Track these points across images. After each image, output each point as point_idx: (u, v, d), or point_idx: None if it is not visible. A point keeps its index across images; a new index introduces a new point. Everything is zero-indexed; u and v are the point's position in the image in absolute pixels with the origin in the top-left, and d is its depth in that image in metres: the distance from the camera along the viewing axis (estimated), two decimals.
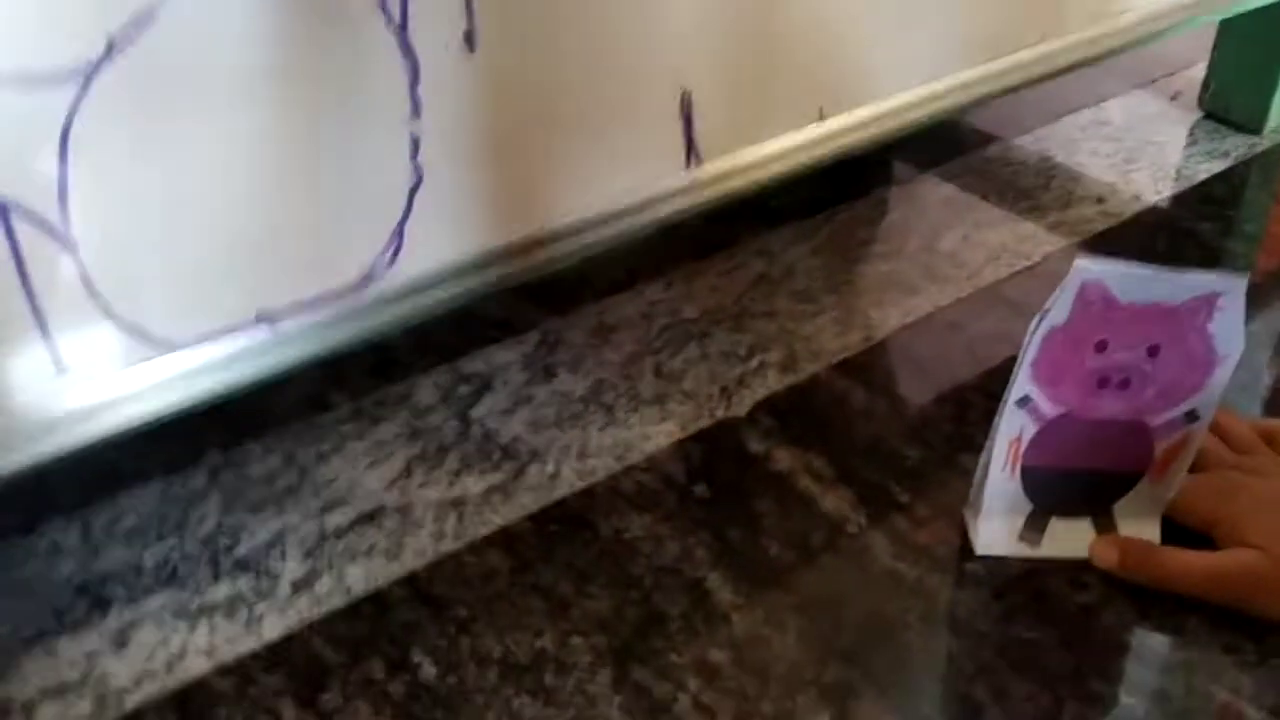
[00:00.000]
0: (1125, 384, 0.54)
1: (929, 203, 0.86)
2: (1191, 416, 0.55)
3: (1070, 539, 0.58)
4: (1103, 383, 0.54)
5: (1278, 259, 0.82)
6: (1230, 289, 0.52)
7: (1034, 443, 0.56)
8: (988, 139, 0.94)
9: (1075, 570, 0.57)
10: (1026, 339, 0.53)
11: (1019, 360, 0.54)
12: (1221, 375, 0.54)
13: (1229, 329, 0.53)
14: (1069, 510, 0.58)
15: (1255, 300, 0.76)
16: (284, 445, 0.65)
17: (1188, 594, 0.55)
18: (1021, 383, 0.54)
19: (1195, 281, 0.52)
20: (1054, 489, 0.57)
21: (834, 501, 0.61)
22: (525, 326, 0.74)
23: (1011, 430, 0.55)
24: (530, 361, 0.71)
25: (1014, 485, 0.57)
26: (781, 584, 0.57)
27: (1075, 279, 0.51)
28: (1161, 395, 0.54)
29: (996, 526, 0.58)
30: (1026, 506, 0.57)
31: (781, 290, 0.77)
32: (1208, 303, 0.52)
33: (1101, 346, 0.53)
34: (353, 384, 0.69)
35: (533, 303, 0.76)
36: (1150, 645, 0.54)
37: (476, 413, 0.67)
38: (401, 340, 0.72)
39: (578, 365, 0.71)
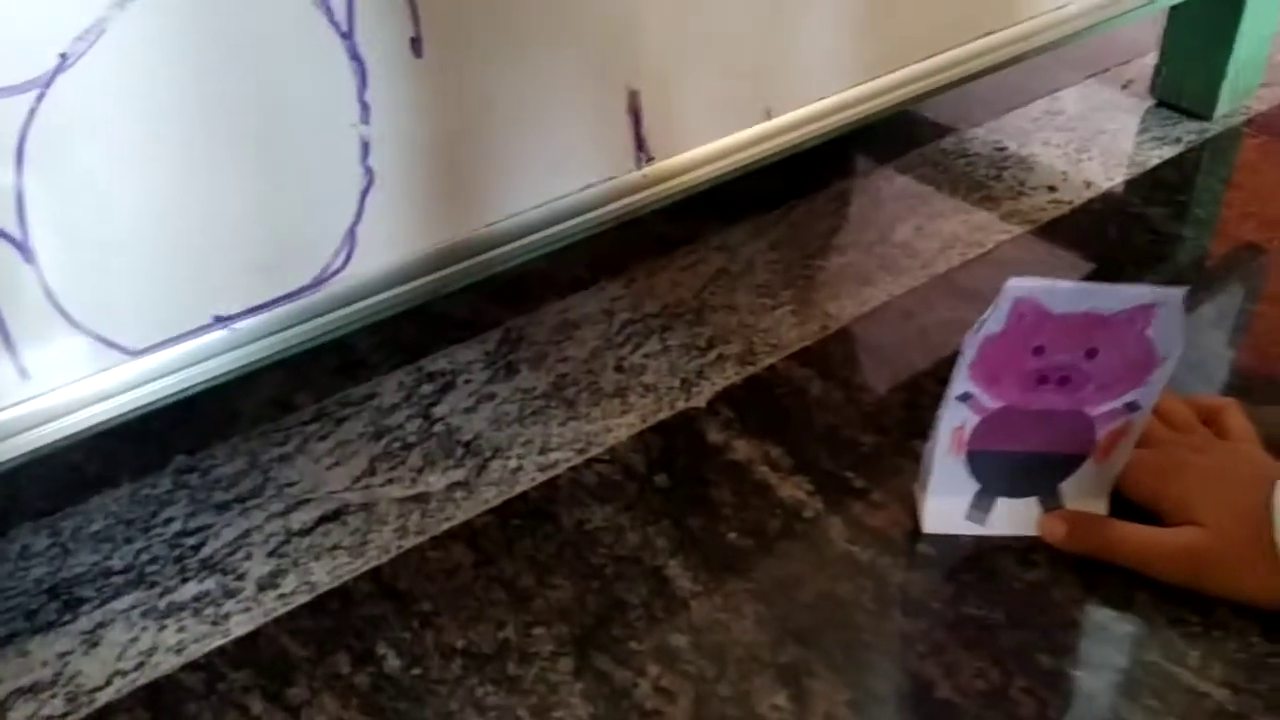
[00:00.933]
0: (1064, 380, 0.55)
1: (884, 195, 0.88)
2: (1132, 407, 0.56)
3: (1017, 517, 0.59)
4: (1042, 380, 0.55)
5: (1229, 242, 0.84)
6: (1165, 300, 0.53)
7: (977, 430, 0.57)
8: (943, 131, 0.96)
9: (1024, 550, 0.59)
10: (964, 345, 0.54)
11: (958, 363, 0.55)
12: (1163, 372, 0.55)
13: (1168, 334, 0.54)
14: (1015, 490, 0.59)
15: (1208, 283, 0.78)
16: (249, 447, 0.66)
17: (1134, 568, 0.57)
18: (961, 382, 0.55)
19: (1129, 294, 0.53)
20: (999, 470, 0.59)
21: (791, 489, 0.63)
22: (488, 325, 0.75)
23: (954, 420, 0.57)
24: (493, 359, 0.72)
25: (960, 467, 0.58)
26: (739, 570, 0.58)
27: (1007, 297, 0.52)
28: (1101, 390, 0.56)
29: (944, 505, 0.59)
30: (973, 486, 0.59)
31: (741, 284, 0.79)
32: (1144, 312, 0.53)
33: (1039, 351, 0.54)
34: (316, 385, 0.70)
35: (496, 301, 0.77)
36: (1097, 621, 0.56)
37: (439, 410, 0.68)
38: (365, 340, 0.73)
39: (540, 362, 0.72)
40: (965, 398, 0.56)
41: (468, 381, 0.70)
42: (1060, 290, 0.53)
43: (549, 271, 0.79)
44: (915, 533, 0.60)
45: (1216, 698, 0.52)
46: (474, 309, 0.76)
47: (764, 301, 0.77)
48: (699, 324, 0.75)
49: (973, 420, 0.57)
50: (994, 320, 0.53)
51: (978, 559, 0.58)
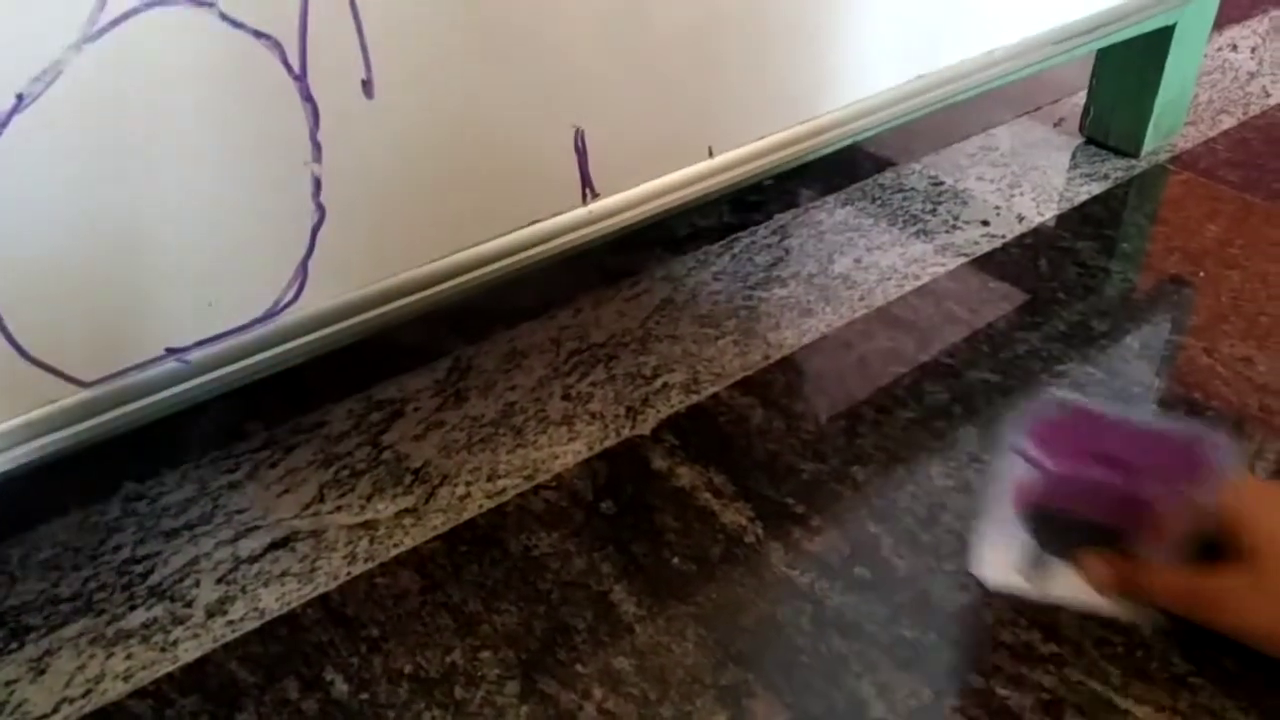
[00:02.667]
0: (1120, 465, 0.56)
1: (825, 228, 0.90)
2: (1185, 494, 0.57)
3: (1072, 582, 0.59)
4: (1097, 459, 0.57)
5: (1155, 276, 0.87)
6: (1210, 437, 0.56)
7: (1035, 488, 0.58)
8: (882, 165, 0.99)
9: (955, 573, 0.61)
10: (1026, 415, 0.58)
11: (1018, 427, 0.57)
12: (1219, 478, 0.57)
13: (1221, 457, 0.56)
14: (1071, 552, 0.60)
15: (1135, 315, 0.81)
16: (198, 475, 0.66)
17: (1176, 613, 0.57)
18: (1020, 442, 0.57)
19: (1179, 426, 0.57)
20: (1056, 531, 0.59)
21: (733, 515, 0.64)
22: (438, 354, 0.76)
23: (1012, 473, 0.58)
24: (442, 387, 0.74)
25: (1015, 523, 0.59)
26: (682, 594, 0.60)
27: (1068, 406, 0.56)
28: (1157, 481, 0.57)
29: (998, 559, 0.60)
30: (1028, 543, 0.60)
31: (685, 314, 0.81)
32: (1194, 440, 0.56)
33: (1097, 439, 0.57)
34: (267, 413, 0.71)
35: (445, 330, 0.78)
36: (1025, 641, 0.58)
37: (388, 438, 0.69)
38: (315, 369, 0.74)
39: (489, 390, 0.73)
40: (1023, 456, 0.57)
41: (417, 409, 0.72)
42: (1116, 412, 0.57)
43: (498, 301, 0.81)
44: (852, 556, 0.62)
45: (1139, 715, 0.54)
46: (424, 338, 0.77)
47: (707, 331, 0.79)
48: (644, 353, 0.77)
49: (1030, 478, 0.58)
50: (1056, 412, 0.57)
51: (911, 582, 0.60)
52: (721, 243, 0.88)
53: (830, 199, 0.94)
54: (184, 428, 0.69)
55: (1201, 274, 0.86)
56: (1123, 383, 0.75)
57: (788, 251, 0.88)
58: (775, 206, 0.93)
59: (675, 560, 0.62)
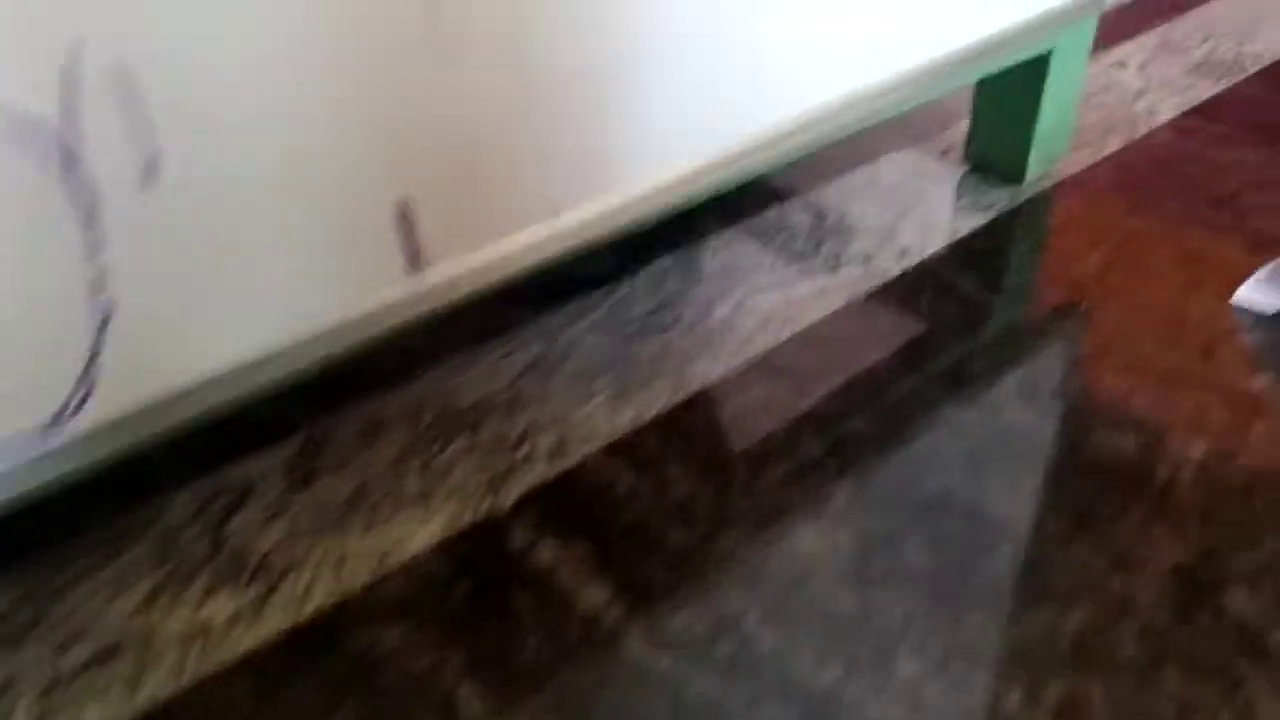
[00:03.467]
0: None
1: (706, 271, 0.88)
2: None
3: None
4: None
5: (1040, 307, 0.86)
6: None
7: None
8: (766, 201, 0.96)
9: (820, 647, 0.58)
10: None
11: None
12: None
13: None
14: None
15: (1015, 353, 0.80)
16: (24, 580, 0.62)
17: None
18: None
19: None
20: None
21: (593, 594, 0.61)
22: (290, 429, 0.73)
23: None
24: (293, 466, 0.70)
25: None
26: (535, 685, 0.57)
27: None
28: None
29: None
30: None
31: (558, 372, 0.78)
32: None
33: None
34: (101, 504, 0.67)
35: (300, 402, 0.74)
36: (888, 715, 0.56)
37: (231, 527, 0.66)
38: (156, 450, 0.70)
39: (343, 467, 0.70)
40: None
41: (264, 494, 0.68)
42: None
43: (356, 368, 0.77)
44: (715, 633, 0.59)
45: None
46: (275, 411, 0.74)
47: (579, 390, 0.76)
48: (510, 416, 0.74)
49: None
50: None
51: (775, 659, 0.58)
52: (599, 291, 0.85)
53: (713, 240, 0.91)
54: (8, 528, 0.65)
55: (1084, 304, 0.85)
56: (1001, 425, 0.73)
57: (668, 297, 0.85)
58: (656, 250, 0.90)
59: (529, 647, 0.58)
